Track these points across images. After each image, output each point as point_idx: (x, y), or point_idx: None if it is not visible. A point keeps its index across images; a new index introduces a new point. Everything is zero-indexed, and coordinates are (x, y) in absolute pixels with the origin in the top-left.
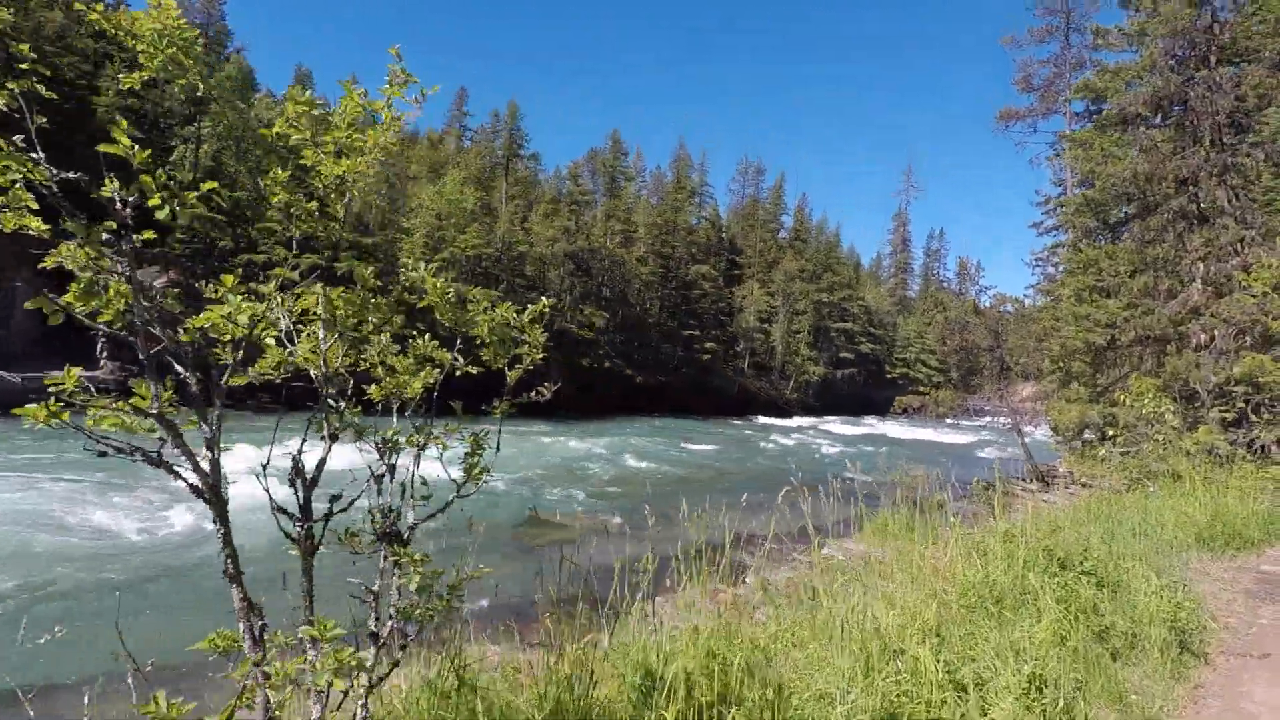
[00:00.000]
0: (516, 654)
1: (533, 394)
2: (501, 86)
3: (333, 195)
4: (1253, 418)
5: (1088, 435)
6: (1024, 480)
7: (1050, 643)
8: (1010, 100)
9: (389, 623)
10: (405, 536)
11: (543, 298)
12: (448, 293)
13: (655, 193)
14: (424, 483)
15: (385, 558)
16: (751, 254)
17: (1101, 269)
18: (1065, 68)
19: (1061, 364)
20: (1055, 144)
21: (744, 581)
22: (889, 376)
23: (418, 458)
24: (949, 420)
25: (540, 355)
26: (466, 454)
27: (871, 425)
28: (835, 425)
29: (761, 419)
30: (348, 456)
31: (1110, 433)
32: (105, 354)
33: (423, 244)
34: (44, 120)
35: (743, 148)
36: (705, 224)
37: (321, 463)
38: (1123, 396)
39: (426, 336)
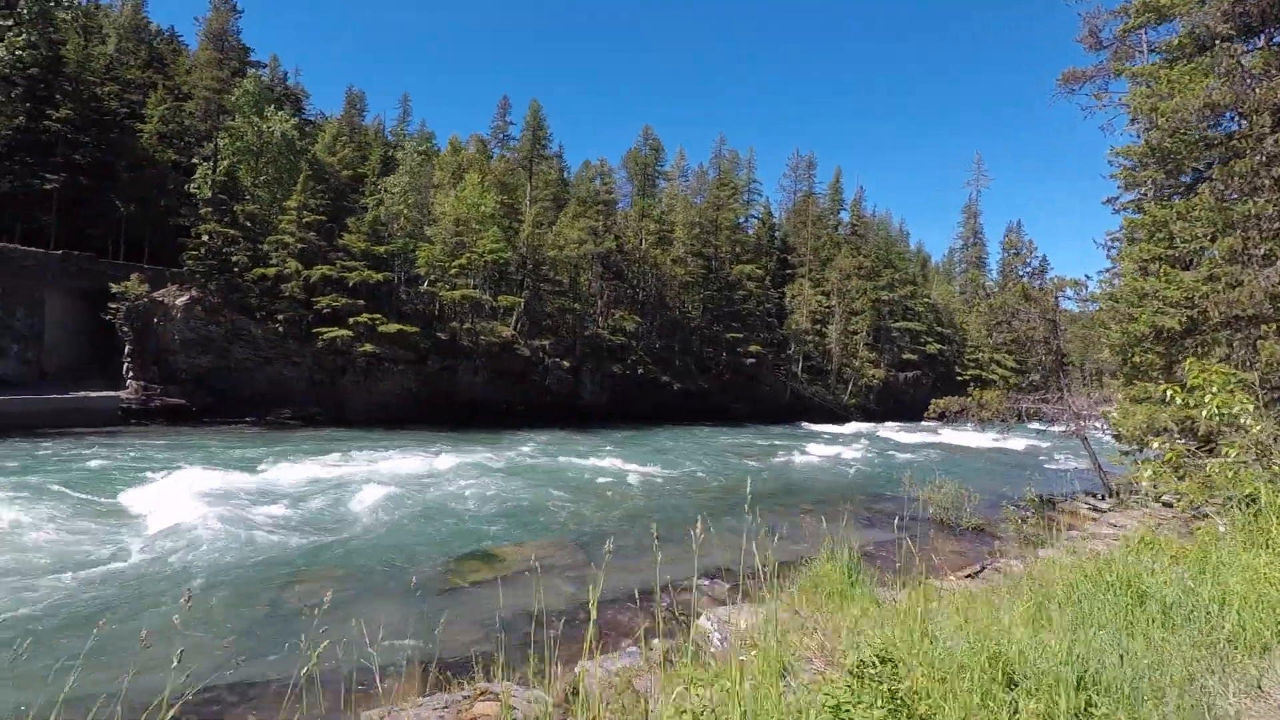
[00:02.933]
0: None
1: None
2: (543, 94)
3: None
4: None
5: (1160, 443)
6: (1094, 496)
7: None
8: (1077, 61)
9: None
10: None
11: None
12: None
13: (698, 192)
14: None
15: None
16: (804, 252)
17: (1173, 233)
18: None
19: (1124, 355)
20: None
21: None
22: (959, 379)
23: None
24: (1035, 424)
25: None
26: None
27: (933, 432)
28: (893, 432)
29: (812, 426)
30: None
31: (1174, 443)
32: (131, 374)
33: (440, 251)
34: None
35: (794, 144)
36: (756, 223)
37: None
38: (1168, 390)
39: None
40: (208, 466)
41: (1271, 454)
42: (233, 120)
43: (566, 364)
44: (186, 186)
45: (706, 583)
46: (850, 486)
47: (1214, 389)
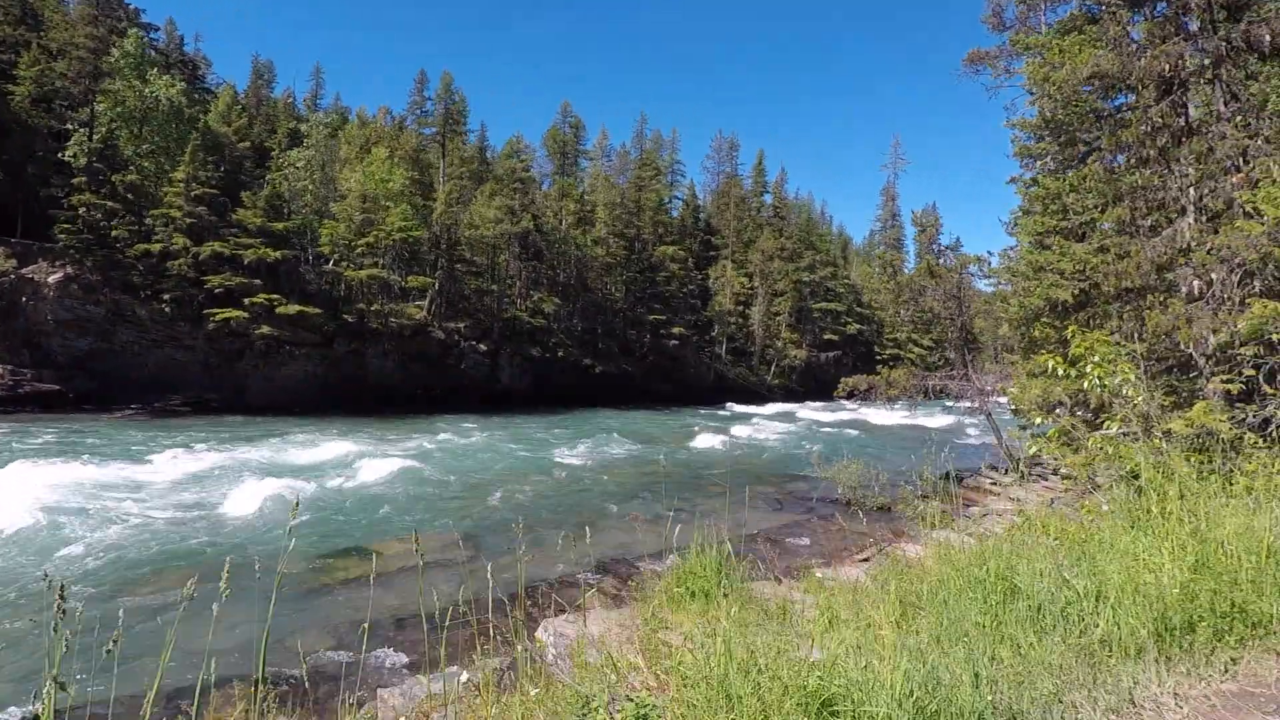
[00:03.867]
0: None
1: None
2: (462, 69)
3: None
4: (1267, 389)
5: (1050, 419)
6: (998, 470)
7: None
8: (986, 42)
9: None
10: None
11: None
12: None
13: (621, 172)
14: None
15: None
16: (728, 234)
17: (1066, 205)
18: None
19: (1022, 330)
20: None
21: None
22: (879, 358)
23: None
24: (952, 402)
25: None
26: None
27: (853, 411)
28: (813, 412)
29: (736, 407)
30: None
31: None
32: None
33: (346, 229)
34: None
35: (717, 125)
36: (680, 205)
37: None
38: (1049, 361)
39: None
40: (57, 459)
41: (1154, 426)
42: (112, 83)
43: (484, 347)
44: (60, 154)
45: (595, 578)
46: (765, 467)
47: (1096, 358)
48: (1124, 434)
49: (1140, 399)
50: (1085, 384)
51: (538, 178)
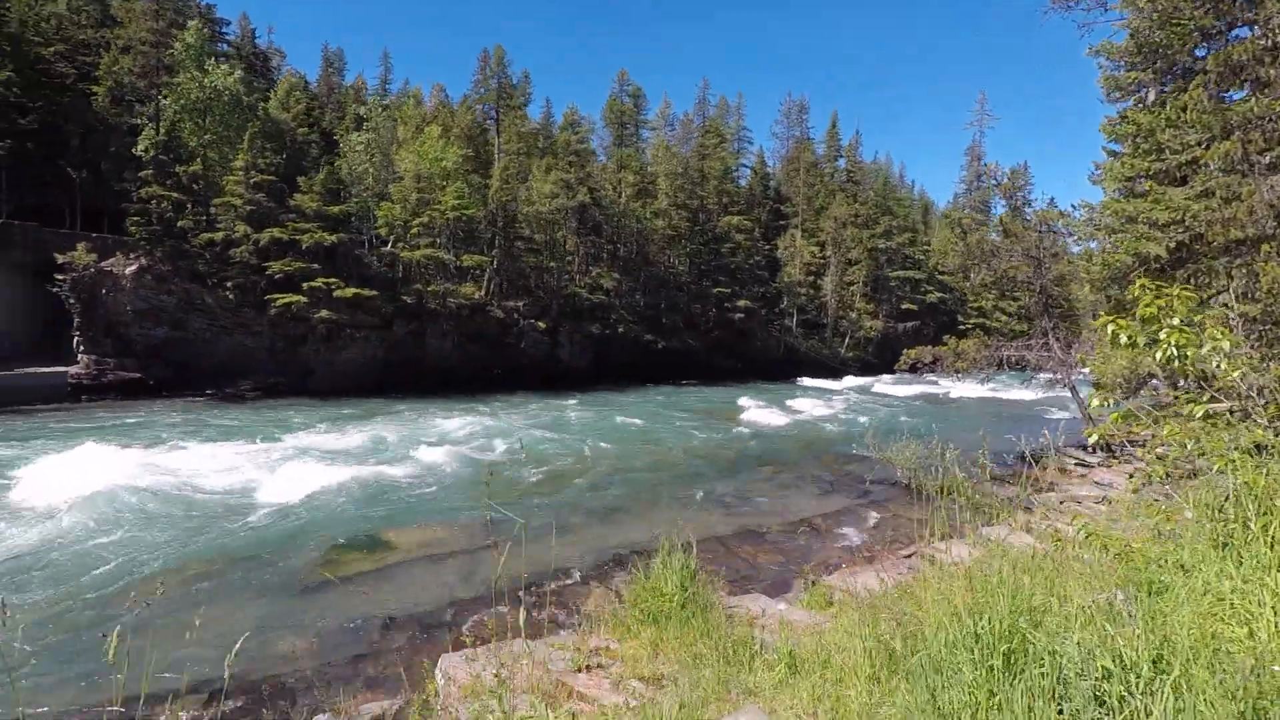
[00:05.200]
0: None
1: None
2: (529, 47)
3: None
4: None
5: (1155, 391)
6: (1085, 449)
7: None
8: None
9: None
10: None
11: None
12: None
13: (685, 141)
14: None
15: None
16: (799, 201)
17: (1161, 144)
18: None
19: (1106, 291)
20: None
21: None
22: (963, 328)
23: None
24: (1049, 376)
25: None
26: None
27: (931, 384)
28: (889, 386)
29: (807, 381)
30: None
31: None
32: (82, 348)
33: (401, 210)
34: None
35: (786, 87)
36: (749, 173)
37: None
38: (1111, 324)
39: None
40: (122, 443)
41: (1252, 412)
42: (175, 77)
43: (543, 325)
44: (133, 150)
45: (582, 584)
46: (825, 445)
47: (1175, 321)
48: (1215, 415)
49: (1236, 373)
50: (1160, 354)
51: (596, 150)
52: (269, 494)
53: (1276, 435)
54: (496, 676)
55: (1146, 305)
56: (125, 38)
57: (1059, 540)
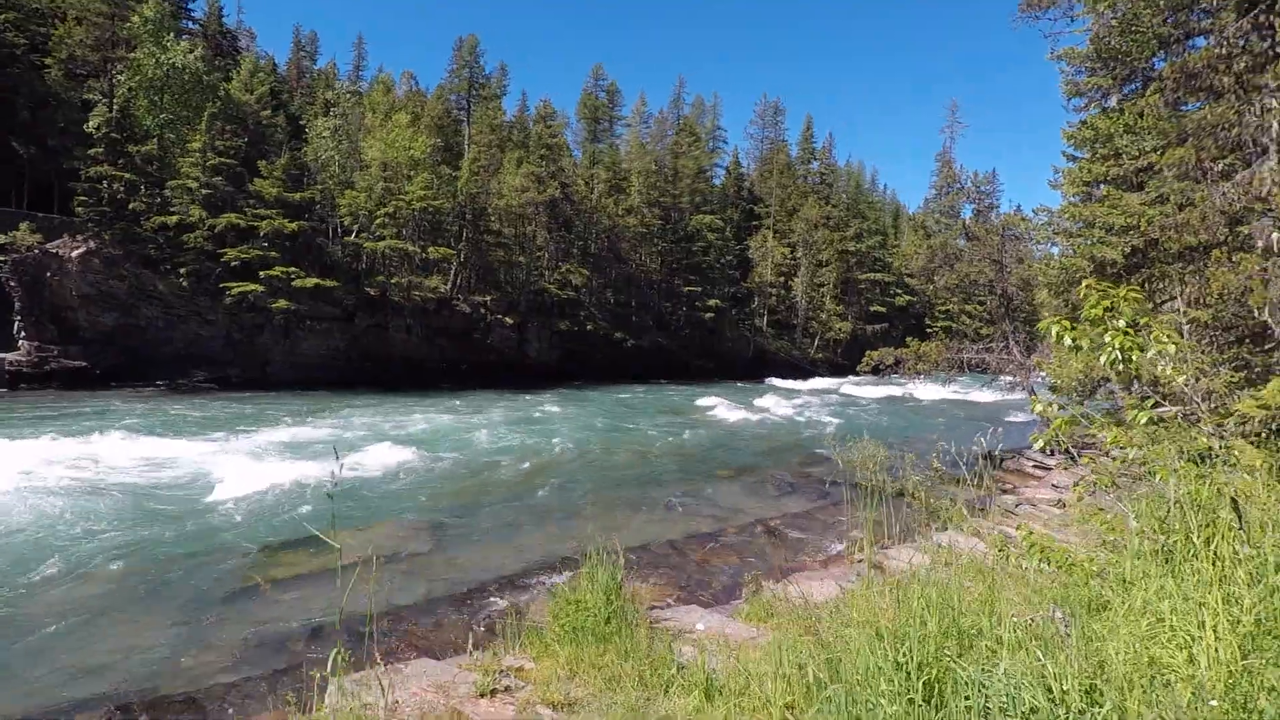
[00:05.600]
0: None
1: None
2: (506, 36)
3: None
4: None
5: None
6: (1044, 452)
7: None
8: None
9: None
10: None
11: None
12: None
13: (659, 139)
14: None
15: None
16: (771, 202)
17: (1118, 149)
18: None
19: (1063, 295)
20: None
21: None
22: (930, 331)
23: None
24: (1009, 379)
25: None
26: None
27: (900, 386)
28: (856, 387)
29: (777, 382)
30: None
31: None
32: (23, 334)
33: (365, 199)
34: None
35: (761, 89)
36: (723, 174)
37: None
38: (1055, 326)
39: None
40: (50, 435)
41: (1202, 418)
42: (132, 52)
43: (510, 321)
44: (85, 126)
45: (522, 591)
46: (788, 446)
47: (1120, 323)
48: (1165, 421)
49: (1184, 378)
50: (1104, 357)
51: (570, 145)
52: (206, 491)
53: (1221, 441)
54: (386, 706)
55: (1092, 306)
56: (79, 6)
57: (1003, 550)
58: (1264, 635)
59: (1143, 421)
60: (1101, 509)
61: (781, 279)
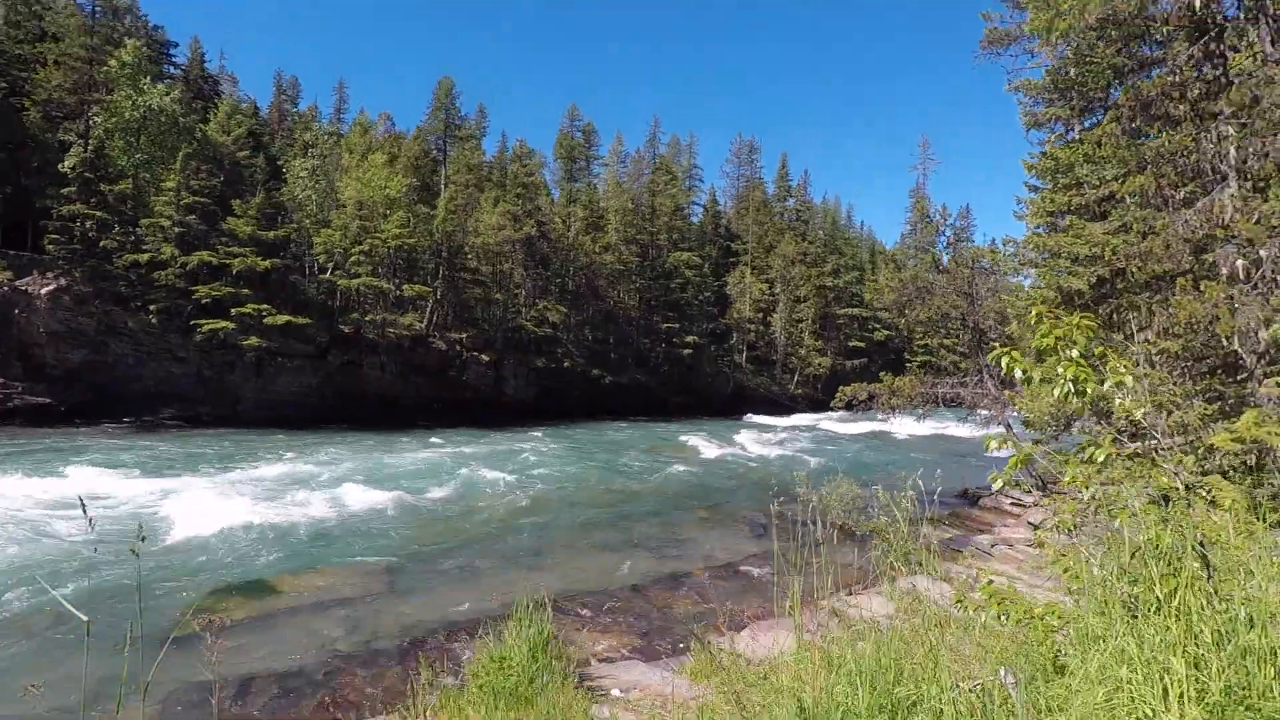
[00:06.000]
0: None
1: None
2: (487, 80)
3: None
4: None
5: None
6: (1020, 487)
7: None
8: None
9: None
10: None
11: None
12: None
13: (636, 178)
14: None
15: None
16: (749, 239)
17: (1079, 178)
18: None
19: (1032, 328)
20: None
21: None
22: (909, 365)
23: None
24: (985, 413)
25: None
26: None
27: (880, 422)
28: (835, 423)
29: (756, 418)
30: None
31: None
32: None
33: (340, 237)
34: None
35: (737, 129)
36: (701, 211)
37: None
38: (1004, 358)
39: None
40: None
41: (1157, 455)
42: (108, 94)
43: (486, 358)
44: (60, 166)
45: (467, 641)
46: (764, 485)
47: (1073, 354)
48: (1138, 457)
49: (1142, 411)
50: (1057, 390)
51: (548, 184)
52: (159, 531)
53: (1182, 479)
54: None
55: (1043, 335)
56: (57, 52)
57: (961, 600)
58: (1234, 705)
59: (1100, 459)
60: (1063, 554)
61: (760, 315)
